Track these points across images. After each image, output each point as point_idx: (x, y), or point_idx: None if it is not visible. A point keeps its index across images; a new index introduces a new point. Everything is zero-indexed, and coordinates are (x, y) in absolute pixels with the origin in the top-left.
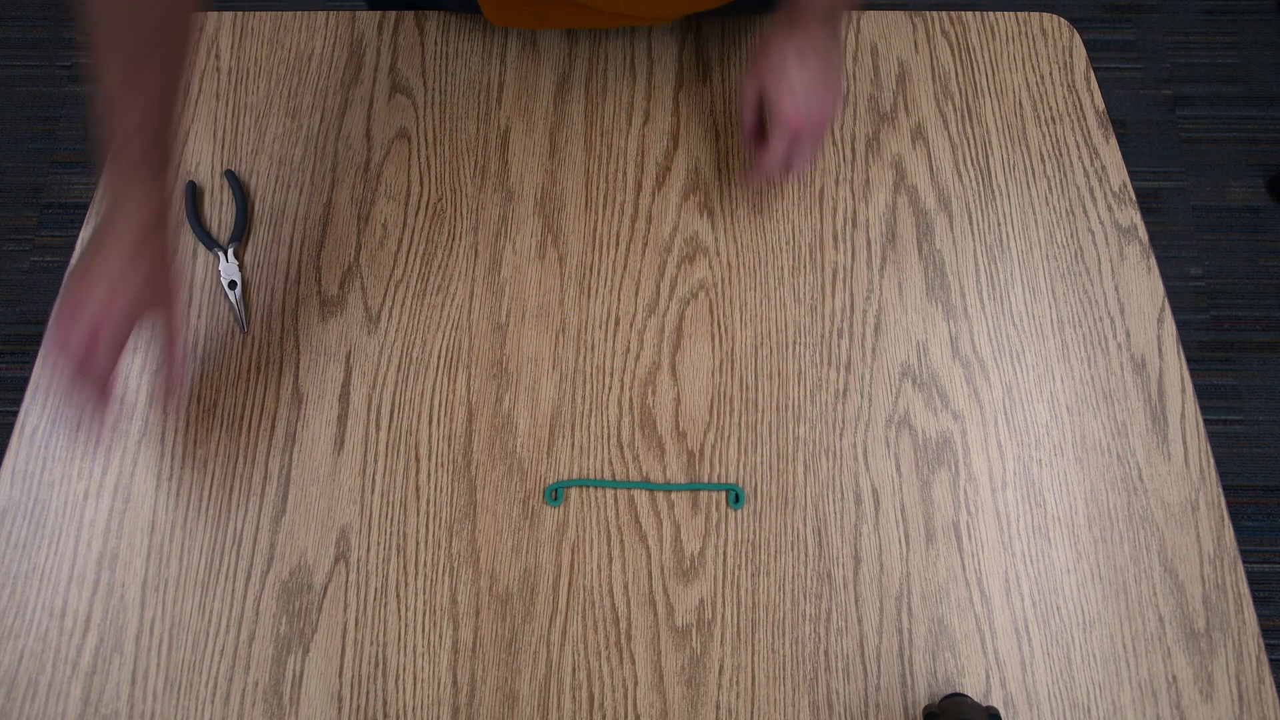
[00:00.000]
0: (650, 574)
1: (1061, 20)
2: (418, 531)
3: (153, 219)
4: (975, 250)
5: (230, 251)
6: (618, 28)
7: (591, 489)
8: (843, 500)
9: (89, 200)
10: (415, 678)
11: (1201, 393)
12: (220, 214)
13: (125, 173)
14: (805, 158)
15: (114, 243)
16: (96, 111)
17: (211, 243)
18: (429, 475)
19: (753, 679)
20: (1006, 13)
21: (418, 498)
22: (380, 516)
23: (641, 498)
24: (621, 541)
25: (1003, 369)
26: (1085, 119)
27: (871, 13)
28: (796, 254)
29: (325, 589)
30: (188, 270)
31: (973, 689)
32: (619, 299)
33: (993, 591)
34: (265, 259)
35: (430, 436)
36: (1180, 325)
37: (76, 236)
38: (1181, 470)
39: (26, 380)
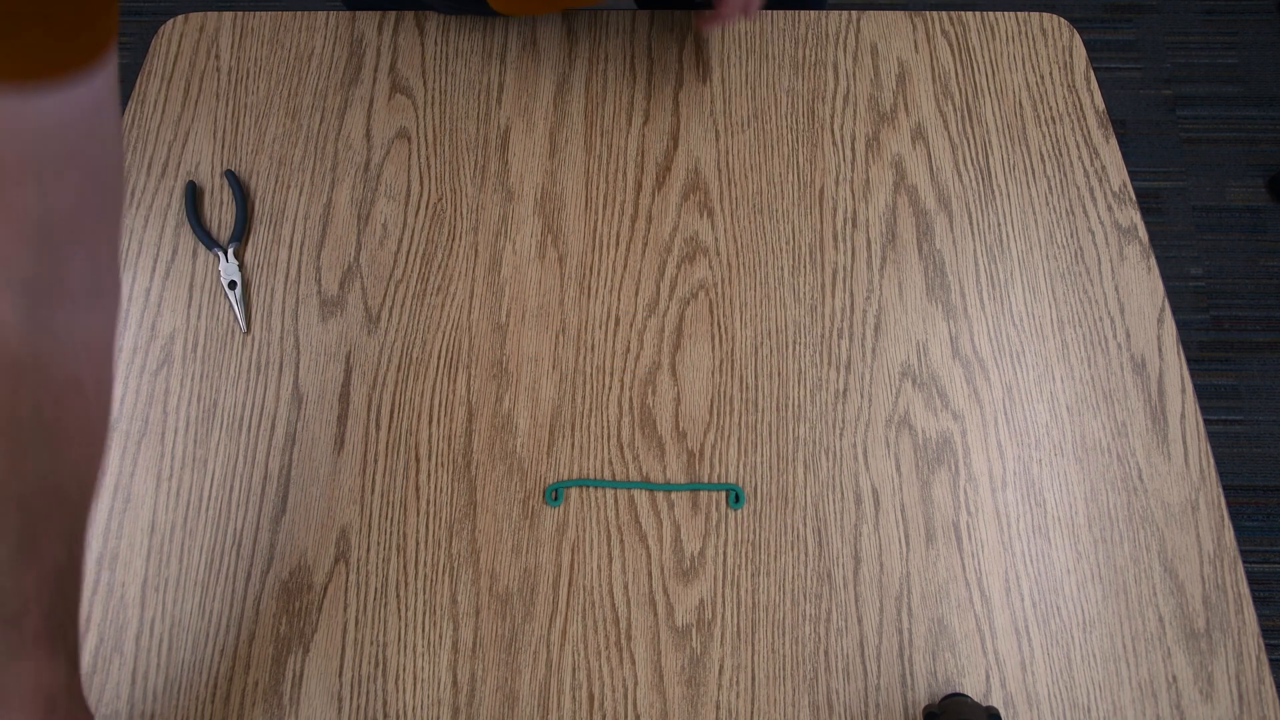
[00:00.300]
0: (650, 574)
1: (1061, 20)
2: (418, 531)
3: (60, 691)
4: (975, 250)
5: (230, 251)
6: (618, 28)
7: (591, 489)
8: (843, 500)
9: None
10: (415, 678)
11: (1201, 393)
12: (220, 214)
13: (14, 653)
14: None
15: None
16: None
17: (211, 243)
18: (429, 475)
19: (753, 679)
20: (1006, 13)
21: (418, 498)
22: (380, 516)
23: (641, 498)
24: (621, 541)
25: (1003, 369)
26: (1085, 119)
27: (871, 12)
28: (796, 254)
29: (325, 589)
30: (188, 270)
31: (973, 689)
32: (619, 299)
33: (993, 591)
34: (265, 259)
35: (430, 436)
36: (1180, 325)
37: None
38: (1181, 470)
39: None
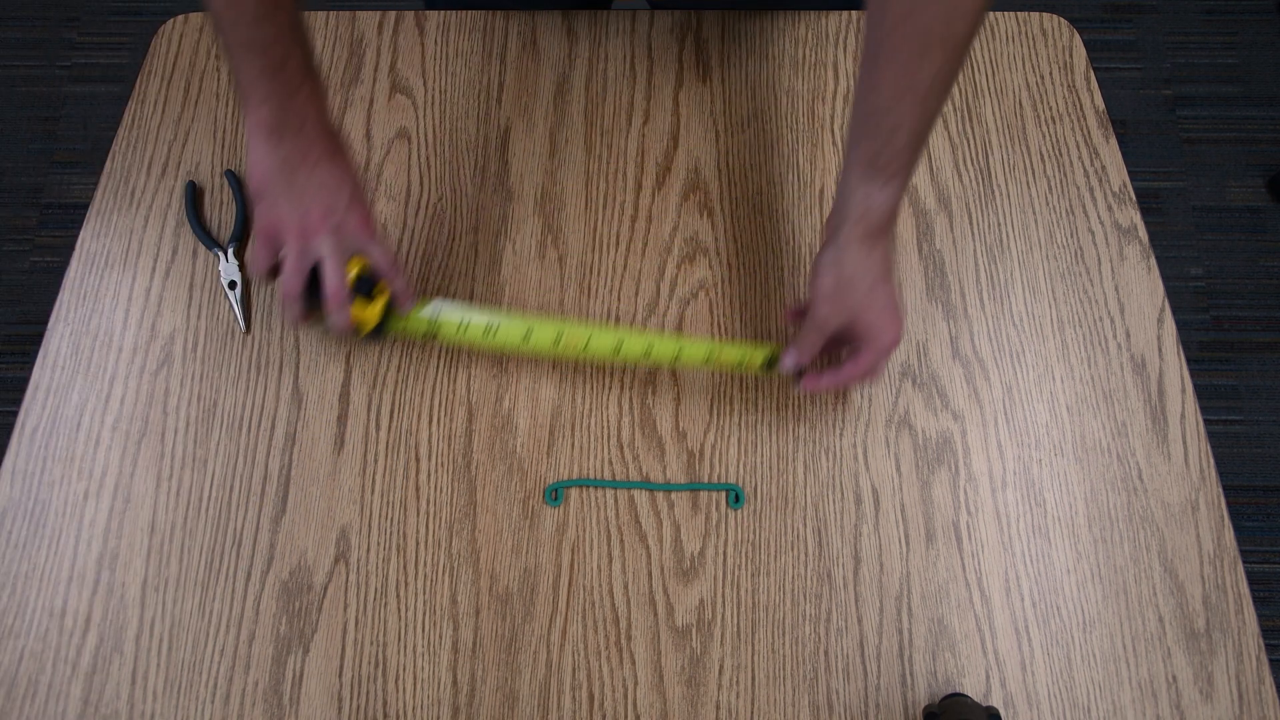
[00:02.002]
0: (650, 574)
1: (1061, 20)
2: (418, 531)
3: (330, 113)
4: (975, 250)
5: (230, 251)
6: (618, 28)
7: (591, 489)
8: (843, 500)
9: (89, 200)
10: (415, 678)
11: (1201, 393)
12: (220, 214)
13: (292, 91)
14: (885, 367)
15: (308, 152)
16: (237, 54)
17: (211, 243)
18: (429, 475)
19: (753, 679)
20: (1006, 13)
21: (418, 498)
22: (380, 516)
23: (641, 498)
24: (621, 541)
25: (1003, 369)
26: (1085, 119)
27: None
28: (796, 254)
29: (325, 589)
30: (188, 270)
31: (973, 689)
32: (619, 299)
33: (993, 591)
34: None
35: (430, 436)
36: (1180, 325)
37: (76, 236)
38: (1181, 470)
39: (26, 380)
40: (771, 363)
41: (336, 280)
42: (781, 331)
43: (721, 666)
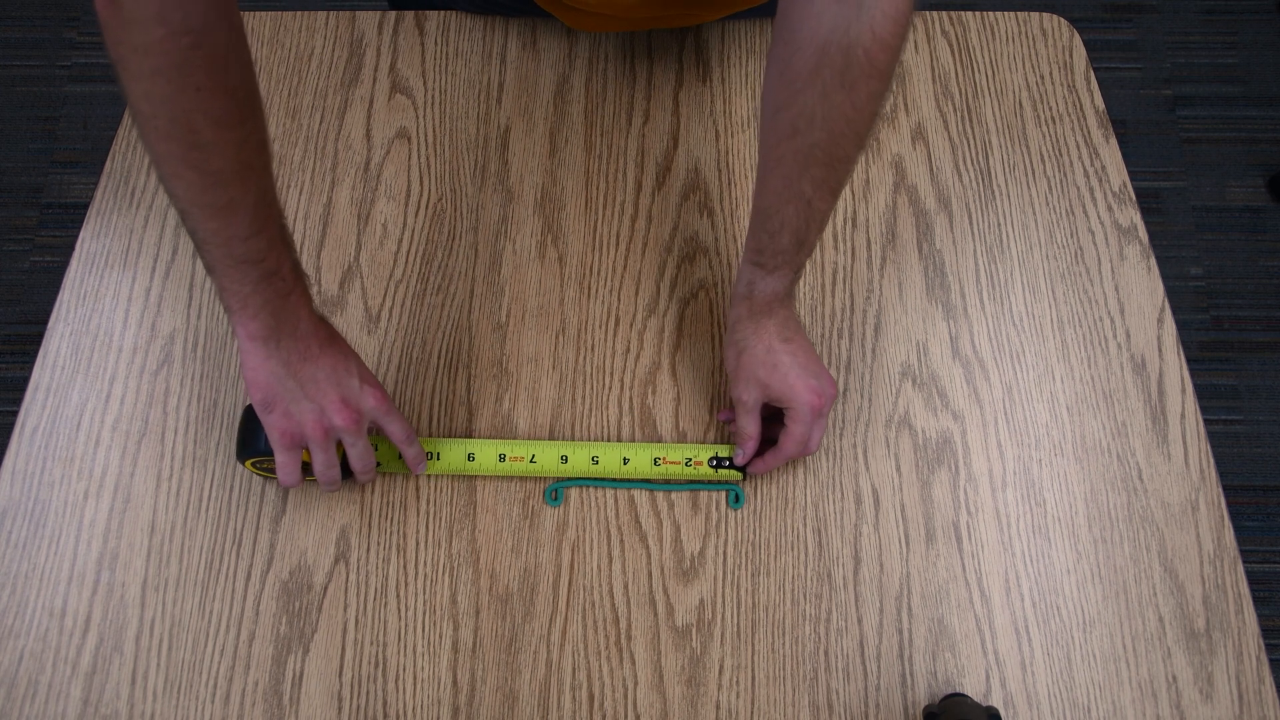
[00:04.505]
0: (650, 574)
1: (1061, 20)
2: (418, 531)
3: (330, 328)
4: (975, 250)
5: None
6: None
7: (591, 489)
8: (843, 500)
9: (89, 200)
10: (415, 678)
11: (1201, 393)
12: None
13: (280, 294)
14: (821, 433)
15: (323, 365)
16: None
17: None
18: (429, 475)
19: (753, 679)
20: (1006, 13)
21: (418, 498)
22: (380, 516)
23: (641, 498)
24: (621, 541)
25: (1003, 369)
26: (1085, 119)
27: None
28: None
29: (325, 589)
30: (188, 270)
31: (973, 689)
32: (619, 299)
33: (993, 591)
34: None
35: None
36: (1180, 325)
37: (76, 236)
38: (1181, 470)
39: (26, 380)
40: (718, 462)
41: (367, 462)
42: None
43: (721, 666)
